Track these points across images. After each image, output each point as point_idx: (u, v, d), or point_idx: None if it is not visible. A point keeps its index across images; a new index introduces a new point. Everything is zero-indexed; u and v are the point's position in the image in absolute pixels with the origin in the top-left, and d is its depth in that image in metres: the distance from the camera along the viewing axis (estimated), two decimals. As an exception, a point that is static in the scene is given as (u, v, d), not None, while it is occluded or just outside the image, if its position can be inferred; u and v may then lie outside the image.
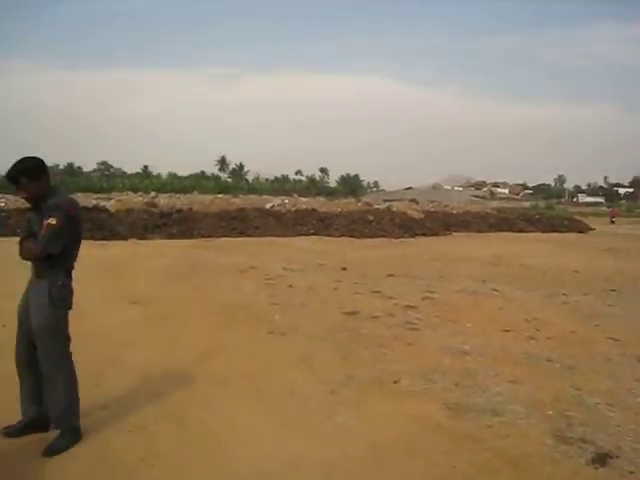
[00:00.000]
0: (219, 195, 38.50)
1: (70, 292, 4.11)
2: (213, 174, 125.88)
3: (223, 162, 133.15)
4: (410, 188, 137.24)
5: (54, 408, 4.02)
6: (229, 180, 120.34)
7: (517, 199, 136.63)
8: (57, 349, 4.01)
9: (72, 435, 4.05)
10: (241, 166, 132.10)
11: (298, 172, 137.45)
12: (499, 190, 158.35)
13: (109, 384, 5.35)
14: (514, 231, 31.35)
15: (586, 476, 3.82)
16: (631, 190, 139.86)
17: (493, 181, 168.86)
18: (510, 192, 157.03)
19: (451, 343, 6.93)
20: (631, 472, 3.84)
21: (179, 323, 7.76)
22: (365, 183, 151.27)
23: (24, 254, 3.97)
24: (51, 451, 3.90)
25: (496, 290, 10.76)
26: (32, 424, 4.12)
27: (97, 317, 7.65)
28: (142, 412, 4.74)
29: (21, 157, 3.89)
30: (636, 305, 10.10)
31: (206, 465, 3.89)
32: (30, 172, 3.86)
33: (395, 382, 5.59)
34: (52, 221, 3.82)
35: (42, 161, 4.00)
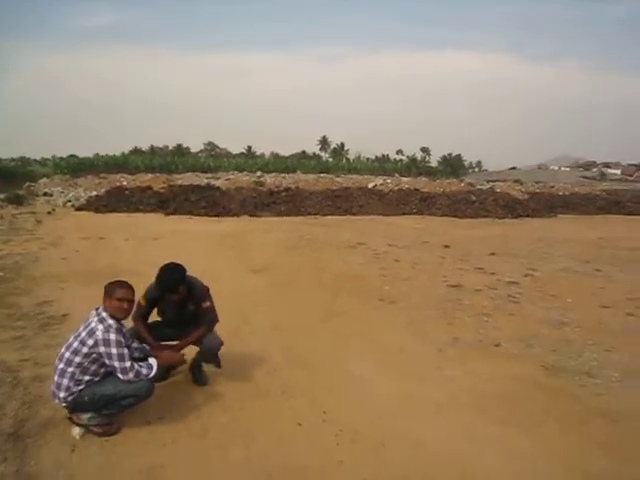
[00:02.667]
0: (322, 175, 39.51)
1: None
2: (314, 153, 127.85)
3: (324, 142, 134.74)
4: (514, 168, 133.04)
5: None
6: (330, 160, 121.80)
7: (631, 180, 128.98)
8: None
9: None
10: (342, 145, 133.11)
11: (399, 152, 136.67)
12: (610, 171, 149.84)
13: (245, 337, 6.28)
14: (624, 214, 30.18)
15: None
16: None
17: (604, 162, 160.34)
18: (623, 173, 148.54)
19: (550, 315, 7.39)
20: None
21: (298, 290, 8.66)
22: (467, 163, 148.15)
23: (208, 330, 4.87)
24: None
25: (599, 270, 10.91)
26: None
27: (227, 284, 8.62)
28: (274, 359, 5.62)
29: (167, 268, 4.63)
30: None
31: (333, 400, 4.68)
32: (184, 280, 4.68)
33: (496, 345, 6.18)
34: (208, 303, 4.83)
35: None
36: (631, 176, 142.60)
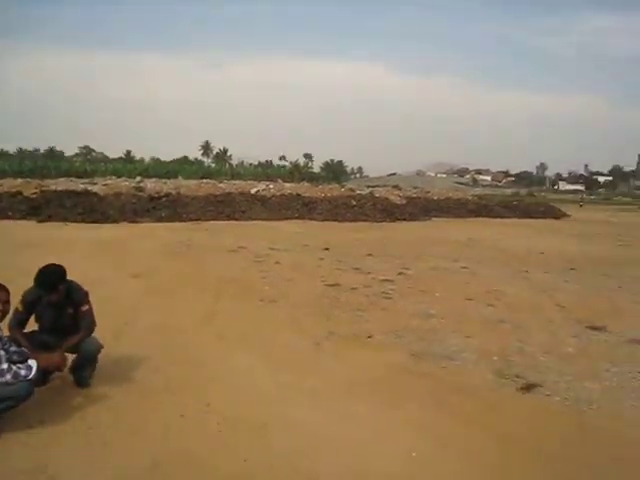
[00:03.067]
0: (204, 180, 39.23)
1: None
2: (196, 159, 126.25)
3: (207, 147, 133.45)
4: (394, 174, 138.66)
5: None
6: (212, 165, 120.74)
7: (500, 186, 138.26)
8: None
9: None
10: (225, 151, 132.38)
11: (282, 157, 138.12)
12: (482, 177, 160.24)
13: (126, 340, 6.32)
14: (492, 217, 32.46)
15: (513, 397, 4.98)
16: (610, 178, 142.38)
17: (477, 168, 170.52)
18: (493, 179, 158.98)
19: (420, 308, 8.04)
20: (547, 395, 5.03)
21: (179, 293, 8.77)
22: (349, 169, 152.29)
23: (87, 335, 4.88)
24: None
25: (465, 268, 11.87)
26: None
27: (106, 289, 8.52)
28: (157, 359, 5.72)
29: (46, 267, 4.66)
30: (589, 281, 11.23)
31: (216, 392, 4.90)
32: (64, 278, 4.73)
33: (369, 337, 6.67)
34: (87, 306, 4.89)
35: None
36: (500, 182, 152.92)
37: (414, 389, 5.12)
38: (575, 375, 5.55)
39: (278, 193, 28.13)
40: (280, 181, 40.98)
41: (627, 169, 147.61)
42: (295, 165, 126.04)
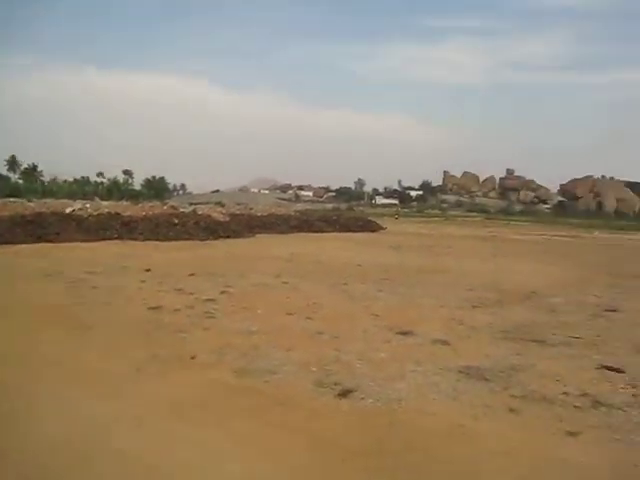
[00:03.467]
0: (11, 199, 36.33)
1: None
2: (1, 175, 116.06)
3: (13, 162, 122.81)
4: (218, 191, 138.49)
5: None
6: (20, 181, 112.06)
7: (321, 201, 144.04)
8: None
9: None
10: (34, 166, 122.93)
11: (100, 174, 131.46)
12: (304, 193, 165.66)
13: None
14: (314, 231, 33.73)
15: (331, 404, 5.30)
16: (421, 193, 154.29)
17: (299, 184, 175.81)
18: (314, 195, 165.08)
19: (242, 326, 8.17)
20: (362, 398, 5.42)
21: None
22: (172, 186, 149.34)
23: None
24: None
25: (287, 283, 12.25)
26: None
27: None
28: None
29: None
30: (401, 290, 12.16)
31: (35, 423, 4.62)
32: None
33: (192, 358, 6.64)
34: None
35: None
36: (321, 197, 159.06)
37: (238, 405, 5.24)
38: (386, 378, 6.03)
39: (95, 212, 26.80)
40: (97, 199, 39.19)
41: (435, 184, 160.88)
42: (114, 182, 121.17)
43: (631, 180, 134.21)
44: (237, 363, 6.46)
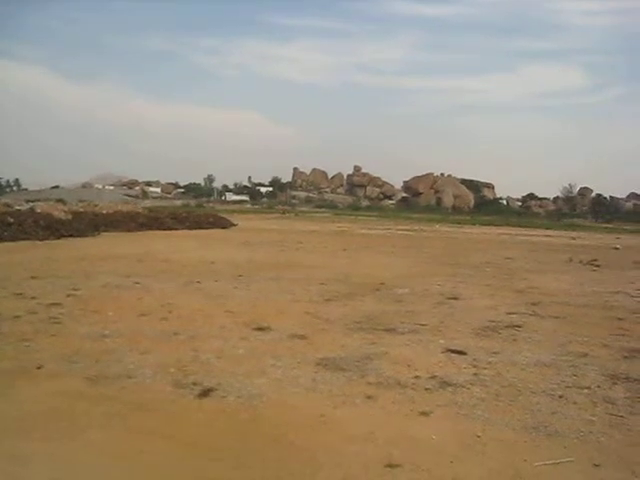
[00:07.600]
0: None
1: None
2: None
3: None
4: (58, 187, 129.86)
5: None
6: None
7: (169, 198, 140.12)
8: None
9: None
10: None
11: None
12: (152, 189, 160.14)
13: None
14: (164, 229, 32.74)
15: (192, 405, 5.25)
16: (271, 189, 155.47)
17: (146, 180, 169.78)
18: (163, 191, 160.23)
19: (93, 330, 7.79)
20: (223, 396, 5.44)
21: None
22: (4, 182, 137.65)
23: None
24: None
25: (138, 283, 11.84)
26: None
27: None
28: None
29: None
30: (256, 286, 12.24)
31: None
32: None
33: (38, 367, 6.22)
34: None
35: None
36: (170, 194, 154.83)
37: (94, 414, 5.00)
38: (246, 374, 6.09)
39: None
40: None
41: (284, 180, 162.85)
42: None
43: (465, 178, 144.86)
44: (89, 370, 6.15)
